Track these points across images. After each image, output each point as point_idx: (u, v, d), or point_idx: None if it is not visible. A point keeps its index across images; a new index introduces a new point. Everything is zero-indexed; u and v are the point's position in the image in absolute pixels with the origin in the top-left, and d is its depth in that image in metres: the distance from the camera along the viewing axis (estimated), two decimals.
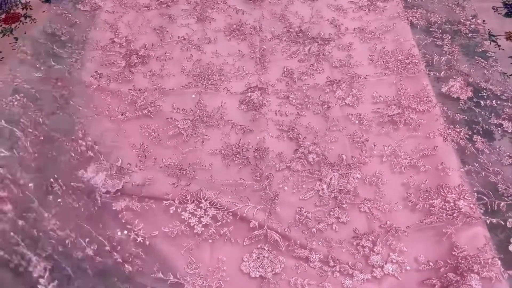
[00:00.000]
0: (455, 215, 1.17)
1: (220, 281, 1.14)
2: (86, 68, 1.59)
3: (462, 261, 1.10)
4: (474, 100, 1.42)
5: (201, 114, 1.45)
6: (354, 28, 1.66)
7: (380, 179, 1.28)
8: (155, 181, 1.30)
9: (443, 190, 1.22)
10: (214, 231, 1.21)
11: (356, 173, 1.29)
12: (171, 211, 1.23)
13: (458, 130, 1.35)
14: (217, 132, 1.43)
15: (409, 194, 1.24)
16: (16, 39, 1.73)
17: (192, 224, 1.21)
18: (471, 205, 1.19)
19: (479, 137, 1.33)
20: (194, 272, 1.15)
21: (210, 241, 1.20)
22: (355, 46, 1.61)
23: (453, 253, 1.13)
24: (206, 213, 1.22)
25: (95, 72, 1.57)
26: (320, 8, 1.75)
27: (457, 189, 1.22)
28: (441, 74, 1.49)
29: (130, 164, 1.34)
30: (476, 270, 1.07)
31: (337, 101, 1.46)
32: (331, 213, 1.23)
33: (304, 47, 1.62)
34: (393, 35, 1.63)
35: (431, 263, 1.14)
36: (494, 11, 1.72)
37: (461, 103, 1.42)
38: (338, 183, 1.28)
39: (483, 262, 1.08)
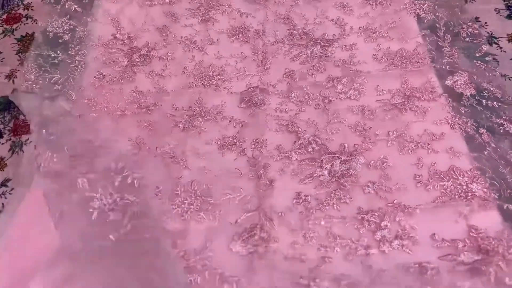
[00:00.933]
0: (469, 197, 1.13)
1: (206, 261, 1.10)
2: (89, 68, 1.58)
3: (484, 242, 1.06)
4: (476, 98, 1.39)
5: (200, 110, 1.44)
6: (359, 28, 1.64)
7: (385, 163, 1.24)
8: (147, 173, 1.28)
9: (455, 173, 1.18)
10: (204, 216, 1.17)
11: (359, 159, 1.25)
12: (162, 203, 1.20)
13: (465, 120, 1.32)
14: (214, 125, 1.41)
15: (418, 176, 1.20)
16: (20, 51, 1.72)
17: (181, 212, 1.18)
18: (485, 189, 1.15)
19: (485, 130, 1.29)
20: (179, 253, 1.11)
21: (199, 225, 1.16)
22: (359, 46, 1.59)
23: (471, 234, 1.09)
24: (196, 200, 1.19)
25: (98, 71, 1.56)
26: (325, 7, 1.73)
27: (468, 172, 1.18)
28: (447, 67, 1.46)
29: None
30: (501, 251, 1.03)
31: (338, 95, 1.43)
32: (332, 195, 1.19)
33: (307, 49, 1.60)
34: (398, 32, 1.61)
35: (447, 242, 1.09)
36: (497, 13, 1.71)
37: (464, 99, 1.39)
38: (340, 168, 1.24)
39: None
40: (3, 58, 1.70)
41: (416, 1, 1.69)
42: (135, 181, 1.25)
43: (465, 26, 1.61)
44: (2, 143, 1.46)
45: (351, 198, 1.18)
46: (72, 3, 1.75)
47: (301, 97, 1.45)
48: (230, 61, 1.60)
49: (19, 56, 1.69)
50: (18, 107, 1.49)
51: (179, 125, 1.40)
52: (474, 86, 1.41)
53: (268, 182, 1.23)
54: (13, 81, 1.62)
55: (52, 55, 1.60)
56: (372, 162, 1.25)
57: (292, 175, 1.25)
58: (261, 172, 1.25)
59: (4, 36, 1.78)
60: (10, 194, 1.33)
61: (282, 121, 1.39)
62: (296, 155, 1.29)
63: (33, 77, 1.53)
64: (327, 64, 1.54)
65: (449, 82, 1.43)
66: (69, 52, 1.62)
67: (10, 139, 1.46)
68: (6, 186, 1.35)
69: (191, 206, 1.18)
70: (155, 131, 1.39)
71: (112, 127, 1.41)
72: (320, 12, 1.72)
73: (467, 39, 1.57)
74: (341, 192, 1.19)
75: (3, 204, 1.31)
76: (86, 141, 1.35)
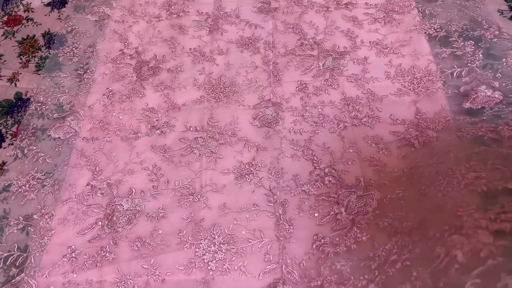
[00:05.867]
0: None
1: None
2: (97, 84, 1.58)
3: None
4: (504, 102, 1.39)
5: (213, 130, 1.43)
6: (370, 42, 1.62)
7: (401, 194, 1.24)
8: (167, 212, 1.30)
9: None
10: (229, 266, 1.19)
11: (374, 194, 1.26)
12: (185, 249, 1.23)
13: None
14: (230, 150, 1.40)
15: None
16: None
17: (206, 260, 1.20)
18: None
19: (506, 126, 1.26)
20: None
21: (225, 276, 1.18)
22: (371, 60, 1.57)
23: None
24: (220, 249, 1.21)
25: (107, 89, 1.56)
26: (335, 18, 1.70)
27: None
28: (461, 90, 1.45)
29: (143, 191, 1.33)
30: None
31: (353, 120, 1.43)
32: (349, 234, 1.20)
33: (319, 62, 1.58)
34: (410, 49, 1.58)
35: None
36: (500, 14, 1.67)
37: (486, 109, 1.39)
38: (356, 205, 1.25)
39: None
40: (5, 61, 1.68)
41: (427, 22, 1.66)
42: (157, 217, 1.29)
43: (490, 29, 1.58)
44: (4, 147, 1.46)
45: (368, 236, 1.19)
46: (82, 29, 1.74)
47: (316, 118, 1.44)
48: (241, 71, 1.58)
49: (21, 59, 1.68)
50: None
51: (194, 151, 1.40)
52: (500, 93, 1.41)
53: (287, 226, 1.24)
54: (15, 84, 1.60)
55: (62, 76, 1.60)
56: (388, 197, 1.25)
57: (310, 213, 1.26)
58: (280, 213, 1.27)
59: (5, 38, 1.75)
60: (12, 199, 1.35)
61: (298, 147, 1.39)
62: (313, 188, 1.30)
63: (42, 98, 1.52)
64: (340, 79, 1.53)
65: (466, 105, 1.42)
66: (78, 71, 1.60)
67: (12, 143, 1.47)
68: (8, 191, 1.36)
69: (216, 255, 1.21)
70: (172, 160, 1.39)
71: (127, 154, 1.42)
72: (330, 22, 1.69)
73: (495, 40, 1.55)
74: (357, 231, 1.20)
75: (4, 209, 1.33)
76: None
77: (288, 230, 1.24)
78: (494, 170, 1.04)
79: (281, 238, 1.22)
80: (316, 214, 1.26)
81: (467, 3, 1.69)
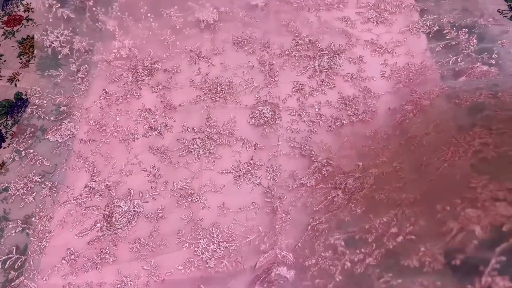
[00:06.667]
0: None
1: None
2: (93, 85, 1.58)
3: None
4: (501, 75, 1.38)
5: (211, 131, 1.43)
6: (365, 40, 1.61)
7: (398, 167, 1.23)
8: (166, 213, 1.30)
9: None
10: (227, 263, 1.20)
11: (372, 172, 1.26)
12: (184, 248, 1.23)
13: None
14: (228, 150, 1.41)
15: None
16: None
17: (205, 259, 1.20)
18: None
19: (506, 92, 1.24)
20: None
21: (223, 273, 1.19)
22: (366, 60, 1.56)
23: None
24: (218, 247, 1.22)
25: (103, 90, 1.55)
26: (327, 19, 1.69)
27: None
28: (456, 69, 1.45)
29: (141, 192, 1.33)
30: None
31: (350, 117, 1.43)
32: (343, 210, 1.20)
33: (314, 62, 1.58)
34: (404, 49, 1.58)
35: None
36: (500, 14, 1.66)
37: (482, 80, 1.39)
38: (354, 185, 1.25)
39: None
40: (5, 61, 1.68)
41: (419, 20, 1.65)
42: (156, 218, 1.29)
43: (485, 10, 1.59)
44: (4, 147, 1.47)
45: (363, 208, 1.17)
46: (64, 10, 1.66)
47: (313, 117, 1.44)
48: (237, 72, 1.58)
49: (21, 59, 1.68)
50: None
51: (192, 152, 1.40)
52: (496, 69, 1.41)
53: (284, 215, 1.25)
54: (15, 84, 1.61)
55: (54, 74, 1.58)
56: (386, 171, 1.25)
57: (308, 201, 1.27)
58: (277, 204, 1.27)
59: (5, 38, 1.75)
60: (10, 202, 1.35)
61: (295, 143, 1.39)
62: (311, 180, 1.30)
63: (37, 101, 1.52)
64: (336, 78, 1.53)
65: (462, 78, 1.43)
66: (71, 67, 1.60)
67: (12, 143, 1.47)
68: (7, 191, 1.37)
69: (214, 253, 1.21)
70: (170, 160, 1.39)
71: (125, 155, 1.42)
72: (323, 22, 1.69)
73: (489, 19, 1.56)
74: (352, 205, 1.19)
75: (4, 209, 1.33)
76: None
77: (285, 219, 1.25)
78: (501, 135, 1.00)
79: (277, 226, 1.23)
80: (313, 201, 1.27)
81: None
